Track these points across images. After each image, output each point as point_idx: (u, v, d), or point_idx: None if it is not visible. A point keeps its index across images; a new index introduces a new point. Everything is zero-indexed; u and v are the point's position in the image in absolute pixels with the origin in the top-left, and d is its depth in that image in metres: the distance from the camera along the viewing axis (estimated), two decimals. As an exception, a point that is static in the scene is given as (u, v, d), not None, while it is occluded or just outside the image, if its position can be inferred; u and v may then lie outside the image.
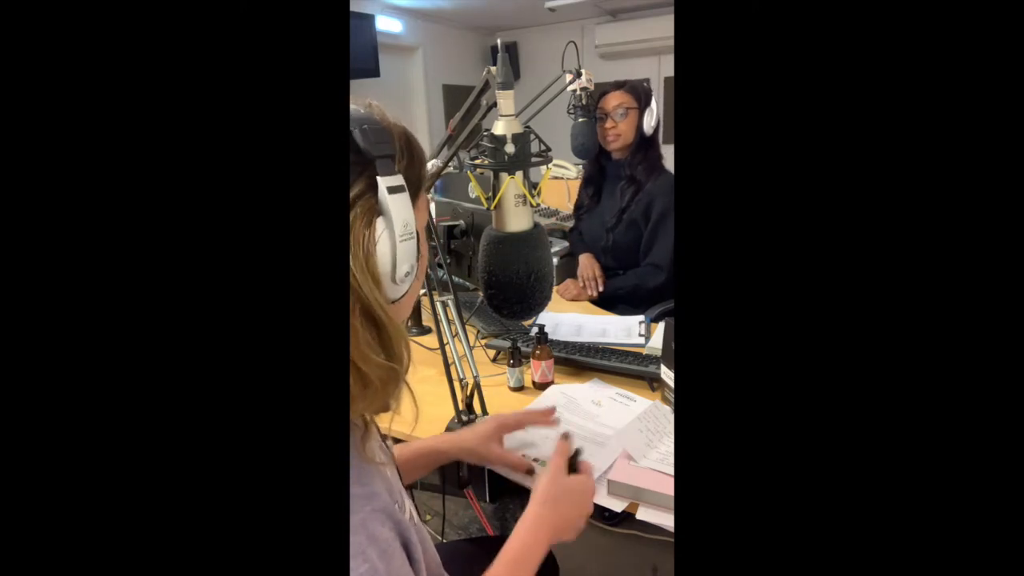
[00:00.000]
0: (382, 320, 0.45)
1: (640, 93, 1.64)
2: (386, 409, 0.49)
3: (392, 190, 0.45)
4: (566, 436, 0.72)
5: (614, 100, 1.62)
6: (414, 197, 0.50)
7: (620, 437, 0.85)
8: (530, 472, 0.80)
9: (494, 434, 0.80)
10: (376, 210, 0.46)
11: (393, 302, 0.49)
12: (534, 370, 1.09)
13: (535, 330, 1.10)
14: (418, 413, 0.52)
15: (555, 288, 1.38)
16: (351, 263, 0.43)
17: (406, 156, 0.50)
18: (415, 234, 0.48)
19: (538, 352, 1.08)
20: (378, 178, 0.45)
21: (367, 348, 0.44)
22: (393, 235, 0.46)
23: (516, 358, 1.09)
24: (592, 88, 1.46)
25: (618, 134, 1.64)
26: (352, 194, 0.45)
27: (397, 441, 0.88)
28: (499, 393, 1.09)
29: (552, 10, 4.40)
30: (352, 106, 0.48)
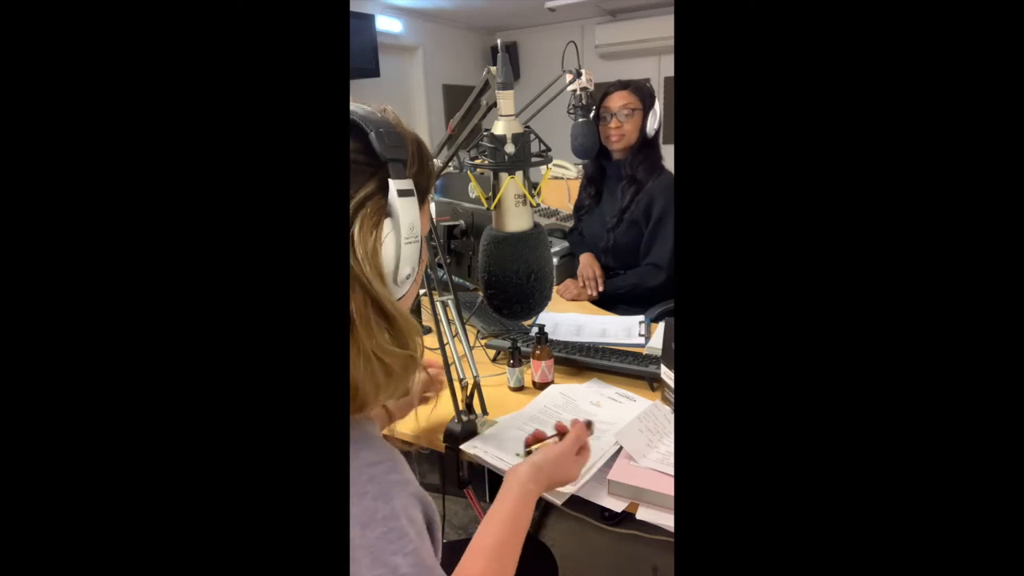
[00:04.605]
0: (393, 313, 0.47)
1: (645, 94, 1.64)
2: (406, 394, 0.52)
3: (402, 193, 0.47)
4: (589, 424, 0.76)
5: (619, 100, 1.62)
6: (420, 204, 0.51)
7: (620, 436, 0.85)
8: None
9: None
10: (384, 211, 0.47)
11: None
12: (534, 370, 1.09)
13: (535, 330, 1.10)
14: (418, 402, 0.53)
15: (555, 288, 1.38)
16: (360, 261, 0.45)
17: (416, 163, 0.51)
18: (419, 238, 0.49)
19: (538, 352, 1.08)
20: (389, 180, 0.47)
21: (384, 341, 0.47)
22: (399, 237, 0.47)
23: (516, 358, 1.09)
24: (592, 88, 1.45)
25: (622, 135, 1.63)
26: (363, 194, 0.46)
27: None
28: (499, 393, 1.09)
29: (552, 10, 4.40)
30: (368, 109, 0.49)
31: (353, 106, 0.49)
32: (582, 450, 0.74)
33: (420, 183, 0.51)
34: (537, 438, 0.77)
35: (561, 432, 0.74)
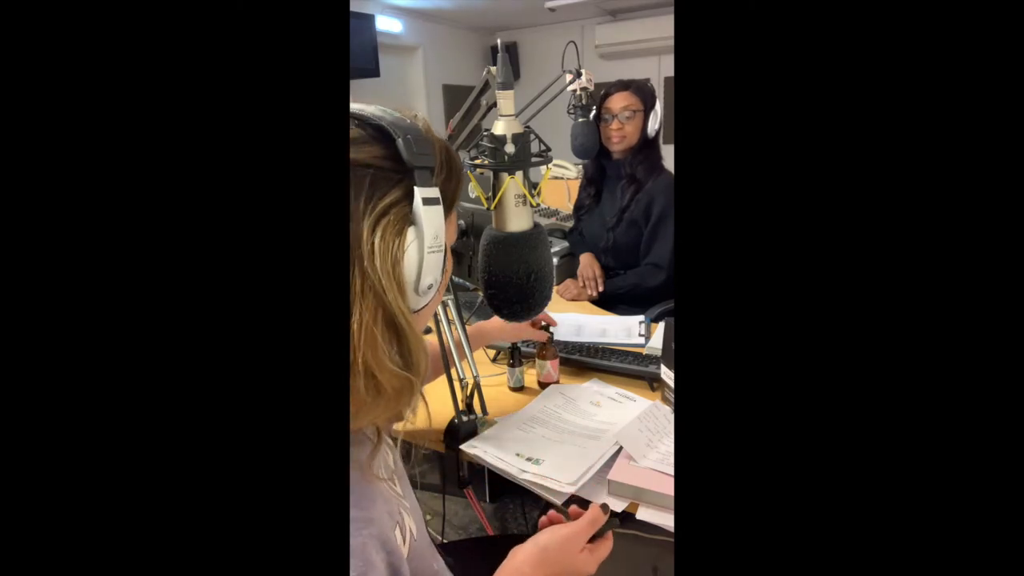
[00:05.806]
0: (404, 329, 0.45)
1: (646, 94, 1.63)
2: (399, 419, 0.48)
3: (427, 201, 0.45)
4: (605, 507, 0.65)
5: (620, 101, 1.61)
6: (447, 212, 0.49)
7: (620, 436, 0.85)
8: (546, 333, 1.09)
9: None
10: (408, 219, 0.45)
11: (413, 312, 0.48)
12: (551, 369, 1.09)
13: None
14: (431, 421, 0.51)
15: (555, 288, 1.38)
16: (378, 270, 0.43)
17: (445, 170, 0.50)
18: (444, 248, 0.47)
19: (544, 352, 1.08)
20: (415, 188, 0.45)
21: (384, 356, 0.43)
22: (422, 246, 0.45)
23: (516, 358, 1.09)
24: (592, 88, 1.46)
25: (623, 136, 1.63)
26: (387, 201, 0.44)
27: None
28: (499, 393, 1.09)
29: (552, 10, 4.40)
30: (397, 114, 0.48)
31: (380, 111, 0.48)
32: (602, 542, 0.64)
33: (448, 191, 0.49)
34: (552, 520, 0.67)
35: (575, 516, 0.65)
